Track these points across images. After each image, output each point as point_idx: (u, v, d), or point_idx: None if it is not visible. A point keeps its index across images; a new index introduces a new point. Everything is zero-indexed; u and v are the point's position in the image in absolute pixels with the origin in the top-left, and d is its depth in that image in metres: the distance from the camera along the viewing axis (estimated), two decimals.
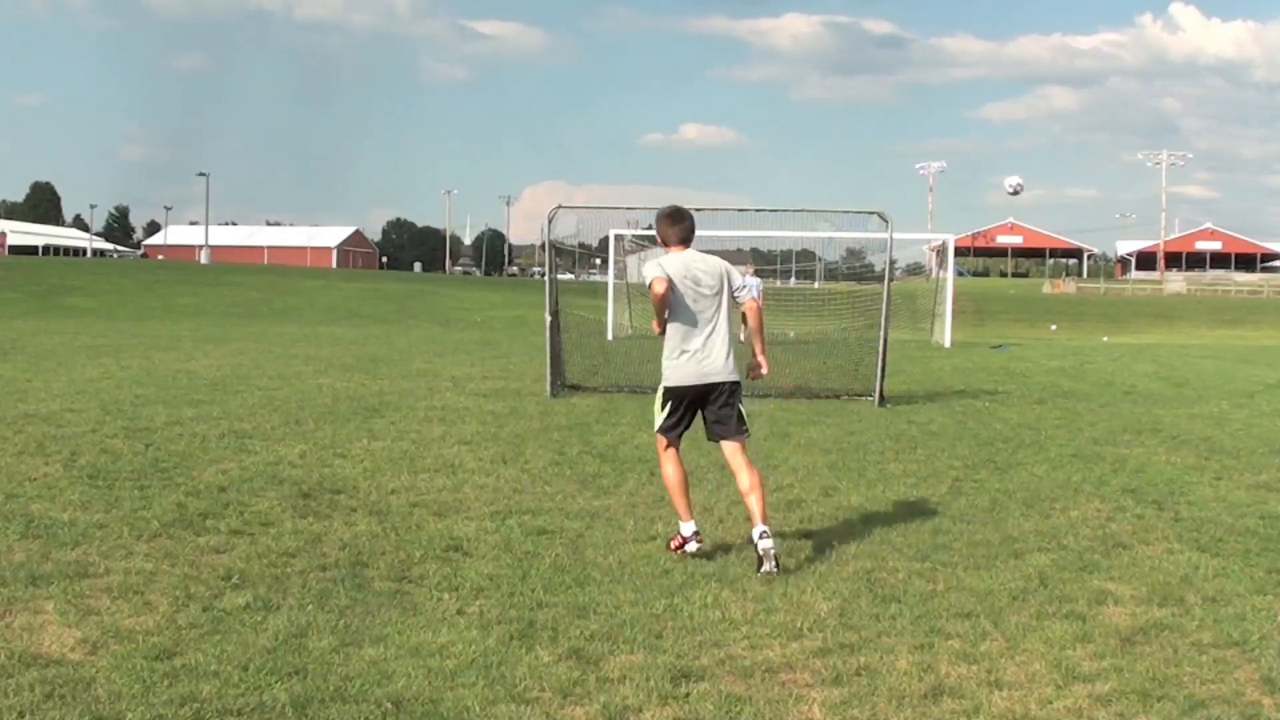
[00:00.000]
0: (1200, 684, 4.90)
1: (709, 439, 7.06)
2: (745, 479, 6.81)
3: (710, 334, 6.84)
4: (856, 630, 5.53)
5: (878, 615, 5.76)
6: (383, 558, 6.66)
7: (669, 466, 6.97)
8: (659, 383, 7.03)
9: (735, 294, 6.94)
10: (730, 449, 6.92)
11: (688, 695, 4.67)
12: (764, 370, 7.10)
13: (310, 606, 5.66)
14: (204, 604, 5.67)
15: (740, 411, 6.94)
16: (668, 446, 6.98)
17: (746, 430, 7.00)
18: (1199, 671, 5.05)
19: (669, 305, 6.79)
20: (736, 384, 6.94)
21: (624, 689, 4.70)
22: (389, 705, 4.46)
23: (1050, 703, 4.69)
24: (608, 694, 4.66)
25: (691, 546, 6.81)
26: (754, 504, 6.70)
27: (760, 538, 6.53)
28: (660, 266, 6.81)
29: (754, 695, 4.69)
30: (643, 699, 4.61)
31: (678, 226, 6.98)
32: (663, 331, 6.91)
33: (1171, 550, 7.26)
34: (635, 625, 5.50)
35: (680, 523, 6.93)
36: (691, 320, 6.82)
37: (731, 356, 6.90)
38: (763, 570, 6.43)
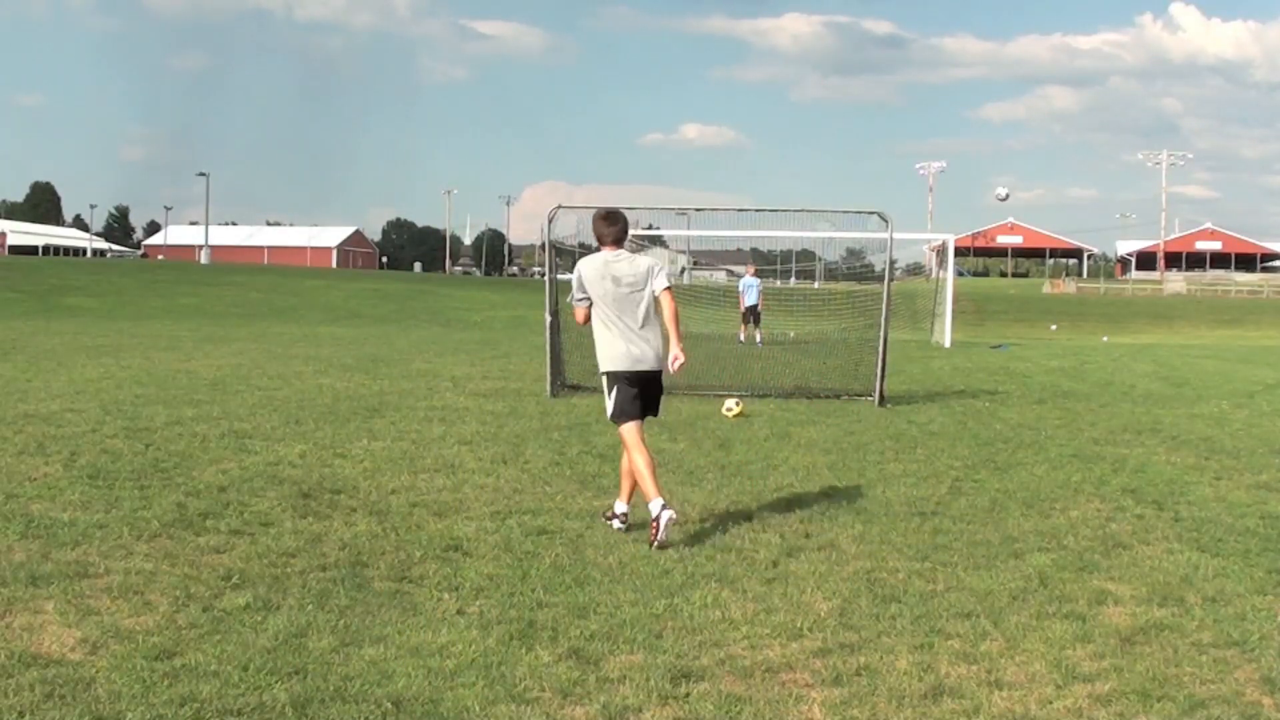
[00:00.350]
0: (1200, 684, 4.91)
1: None
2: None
3: (635, 326, 7.39)
4: (856, 630, 5.53)
5: (878, 615, 5.77)
6: (383, 558, 6.66)
7: (638, 455, 7.32)
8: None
9: (654, 287, 7.43)
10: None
11: (688, 695, 4.67)
12: (682, 359, 7.46)
13: (310, 606, 5.66)
14: (204, 604, 5.67)
15: (659, 398, 7.63)
16: (633, 432, 7.39)
17: (655, 414, 7.67)
18: (1199, 671, 5.05)
19: (592, 306, 7.45)
20: (660, 374, 7.53)
21: (624, 689, 4.70)
22: (389, 705, 4.47)
23: (1050, 703, 4.70)
24: (608, 694, 4.66)
25: (665, 516, 7.00)
26: (626, 485, 7.47)
27: (620, 514, 7.48)
28: (581, 284, 7.44)
29: (754, 695, 4.70)
30: (643, 699, 4.61)
31: (613, 227, 7.53)
32: (586, 321, 7.55)
33: (1171, 550, 7.26)
34: (635, 625, 5.50)
35: (649, 503, 7.12)
36: (614, 315, 7.40)
37: (659, 350, 7.44)
38: (614, 526, 7.38)
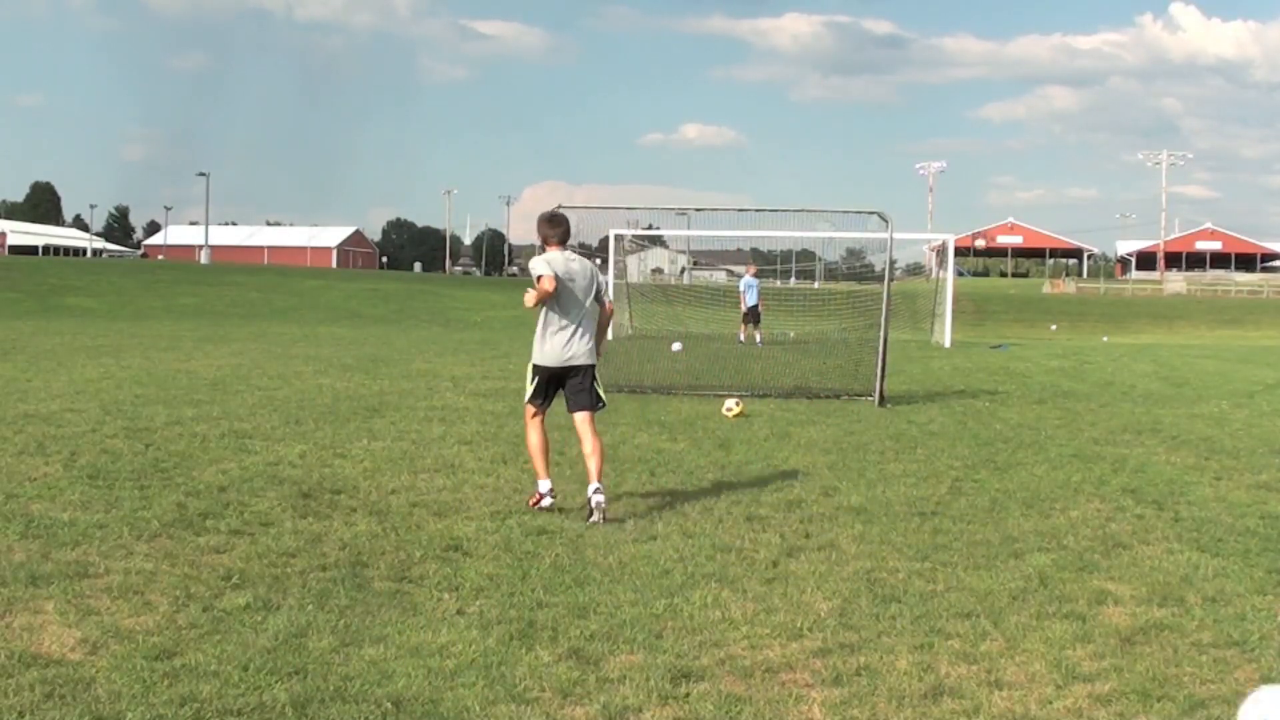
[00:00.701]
0: (1200, 684, 4.91)
1: (568, 409, 8.16)
2: (589, 444, 8.00)
3: (577, 323, 8.03)
4: (856, 630, 5.53)
5: (878, 615, 5.77)
6: (383, 558, 6.67)
7: (533, 434, 8.13)
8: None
9: (600, 295, 8.18)
10: (581, 418, 8.10)
11: (688, 695, 4.67)
12: (601, 354, 8.38)
13: (310, 606, 5.66)
14: (204, 604, 5.67)
15: (595, 390, 8.16)
16: (534, 415, 8.14)
17: (601, 404, 8.19)
18: (1199, 671, 5.05)
19: (550, 297, 7.93)
20: (592, 366, 8.16)
21: (624, 689, 4.70)
22: (389, 705, 4.47)
23: (1050, 703, 4.70)
24: (608, 694, 4.66)
25: (545, 502, 7.93)
26: (592, 466, 7.91)
27: (594, 493, 7.76)
28: (549, 265, 7.96)
29: (754, 695, 4.69)
30: (643, 699, 4.61)
31: (558, 229, 8.18)
32: (542, 301, 7.99)
33: (1171, 550, 7.26)
34: (635, 625, 5.50)
35: (537, 481, 8.05)
36: (564, 310, 8.00)
37: (591, 343, 8.12)
38: (591, 520, 7.63)
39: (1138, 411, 15.11)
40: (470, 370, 19.57)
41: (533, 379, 8.15)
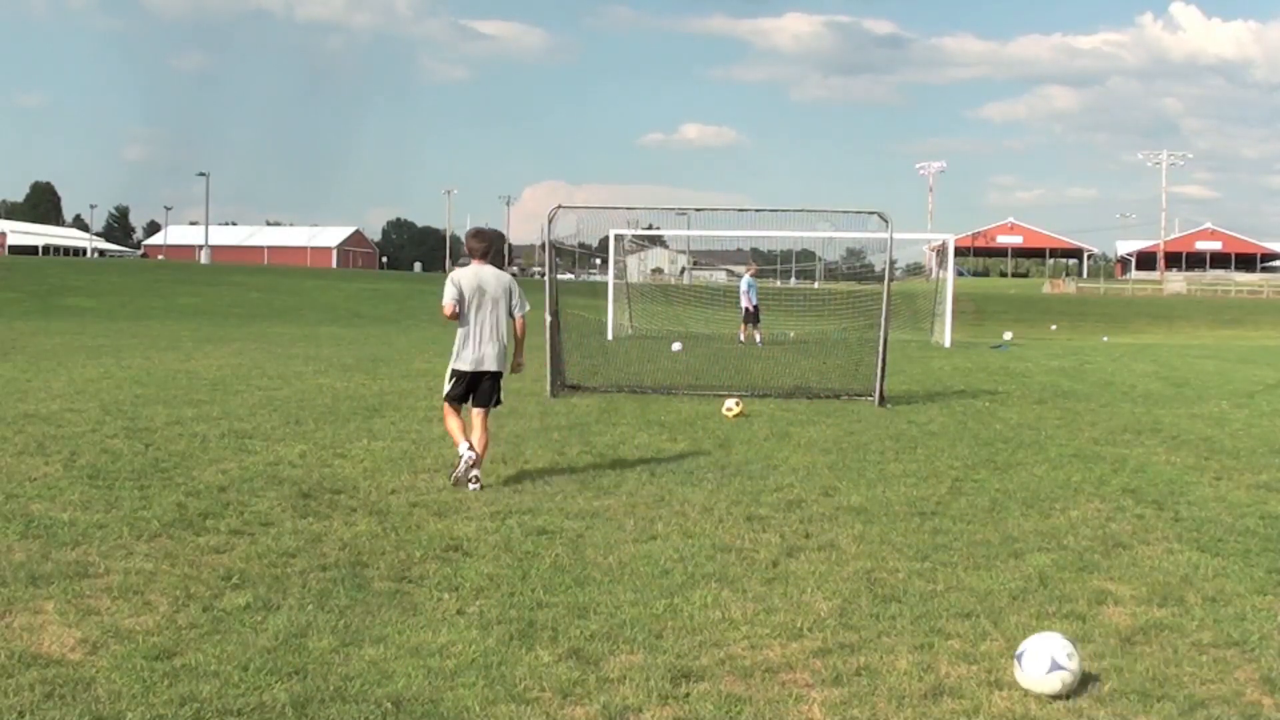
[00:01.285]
0: (1200, 684, 4.91)
1: (470, 403, 9.09)
2: (478, 436, 8.91)
3: (487, 332, 8.92)
4: (856, 630, 5.53)
5: (878, 615, 5.77)
6: (383, 558, 6.67)
7: (451, 420, 9.03)
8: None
9: (513, 309, 9.03)
10: (478, 413, 9.06)
11: (688, 695, 4.67)
12: (524, 365, 9.36)
13: (310, 606, 5.66)
14: (204, 604, 5.67)
15: (498, 392, 9.14)
16: (452, 408, 9.06)
17: (497, 403, 9.21)
18: (1199, 671, 5.05)
19: (461, 310, 8.84)
20: (499, 373, 9.08)
21: (624, 689, 4.70)
22: (389, 705, 4.47)
23: (1050, 703, 4.70)
24: (608, 694, 4.66)
25: (469, 455, 8.64)
26: (477, 448, 8.79)
27: (462, 448, 8.70)
28: (454, 284, 8.88)
29: (754, 695, 4.70)
30: (643, 699, 4.61)
31: (482, 244, 9.13)
32: (453, 319, 8.93)
33: (1171, 550, 7.26)
34: (635, 625, 5.50)
35: (457, 447, 8.81)
36: (475, 321, 8.91)
37: (501, 351, 9.00)
38: (469, 486, 8.59)
39: (1138, 411, 15.11)
40: None
41: (450, 379, 9.03)
